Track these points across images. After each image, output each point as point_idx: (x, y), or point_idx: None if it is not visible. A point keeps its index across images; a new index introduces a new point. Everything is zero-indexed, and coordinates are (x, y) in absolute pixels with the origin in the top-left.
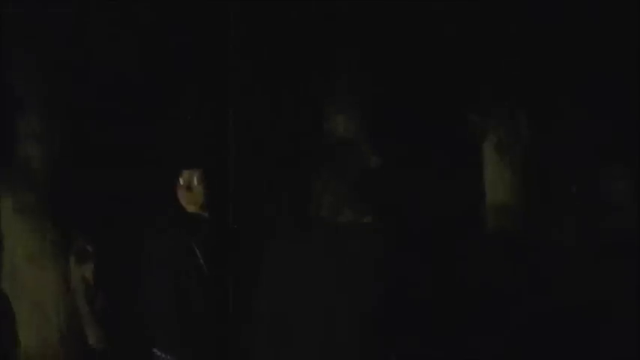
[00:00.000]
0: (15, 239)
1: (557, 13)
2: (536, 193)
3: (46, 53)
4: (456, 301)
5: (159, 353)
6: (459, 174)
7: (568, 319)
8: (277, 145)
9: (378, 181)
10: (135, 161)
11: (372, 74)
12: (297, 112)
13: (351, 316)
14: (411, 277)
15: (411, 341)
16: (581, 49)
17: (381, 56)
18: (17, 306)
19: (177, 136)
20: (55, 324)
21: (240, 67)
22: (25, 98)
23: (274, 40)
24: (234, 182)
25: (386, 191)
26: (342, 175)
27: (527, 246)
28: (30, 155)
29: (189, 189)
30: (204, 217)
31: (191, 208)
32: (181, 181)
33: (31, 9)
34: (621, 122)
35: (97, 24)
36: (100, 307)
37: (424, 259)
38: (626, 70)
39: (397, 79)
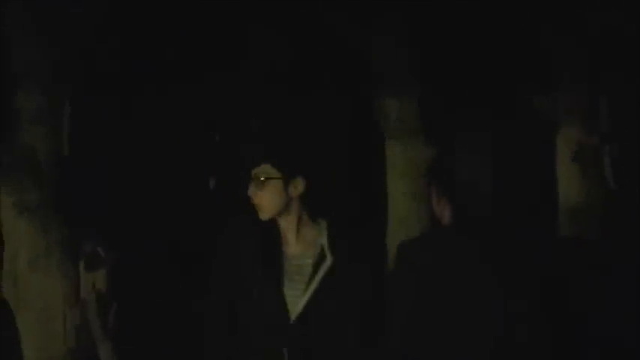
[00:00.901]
0: (18, 242)
1: None
2: (615, 195)
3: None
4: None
5: None
6: (527, 170)
7: None
8: None
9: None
10: (158, 151)
11: (431, 54)
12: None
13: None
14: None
15: None
16: None
17: (440, 33)
18: (20, 317)
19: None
20: (62, 338)
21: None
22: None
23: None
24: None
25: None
26: None
27: (604, 255)
28: (34, 144)
29: (255, 190)
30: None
31: (263, 216)
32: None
33: None
34: None
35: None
36: (113, 320)
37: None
38: None
39: (459, 58)
